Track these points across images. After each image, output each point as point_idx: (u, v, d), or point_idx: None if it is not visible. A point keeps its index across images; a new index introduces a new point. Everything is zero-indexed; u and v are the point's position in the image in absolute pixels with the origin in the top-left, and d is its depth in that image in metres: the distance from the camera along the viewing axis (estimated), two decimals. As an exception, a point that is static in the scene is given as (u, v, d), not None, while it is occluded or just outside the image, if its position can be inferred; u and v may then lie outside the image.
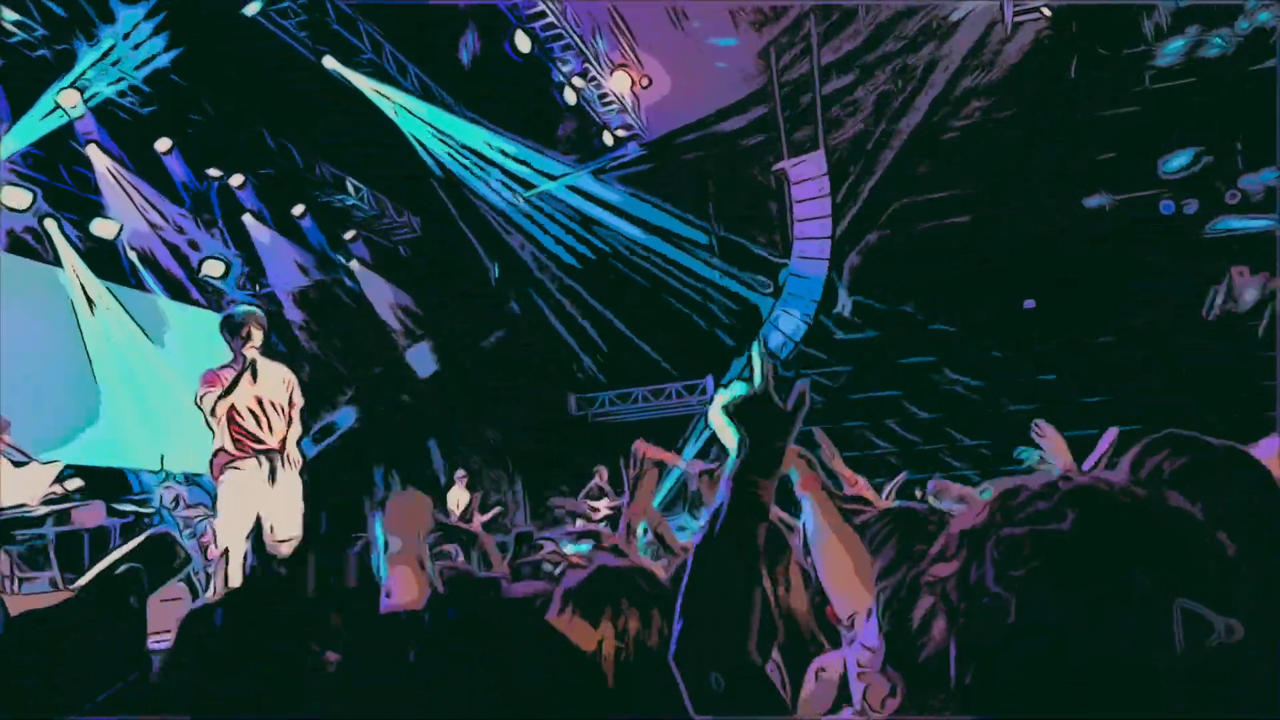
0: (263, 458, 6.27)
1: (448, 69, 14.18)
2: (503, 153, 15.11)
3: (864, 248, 15.51)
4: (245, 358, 6.25)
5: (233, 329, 6.33)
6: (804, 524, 2.20)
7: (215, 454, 6.30)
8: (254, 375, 6.32)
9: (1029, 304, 14.66)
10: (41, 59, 10.84)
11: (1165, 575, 0.87)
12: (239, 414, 6.24)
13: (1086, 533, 0.90)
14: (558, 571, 3.12)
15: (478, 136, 14.75)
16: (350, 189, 15.25)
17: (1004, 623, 0.90)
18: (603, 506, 11.81)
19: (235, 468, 6.21)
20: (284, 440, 6.40)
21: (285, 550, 6.11)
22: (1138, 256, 13.36)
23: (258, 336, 6.32)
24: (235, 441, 6.22)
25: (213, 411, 6.21)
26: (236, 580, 5.93)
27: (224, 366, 6.40)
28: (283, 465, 6.36)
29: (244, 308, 6.65)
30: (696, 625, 1.38)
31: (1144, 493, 0.93)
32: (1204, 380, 11.92)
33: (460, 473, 12.36)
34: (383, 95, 13.45)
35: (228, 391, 6.22)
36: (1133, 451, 1.69)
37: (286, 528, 6.23)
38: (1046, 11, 14.25)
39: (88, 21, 10.71)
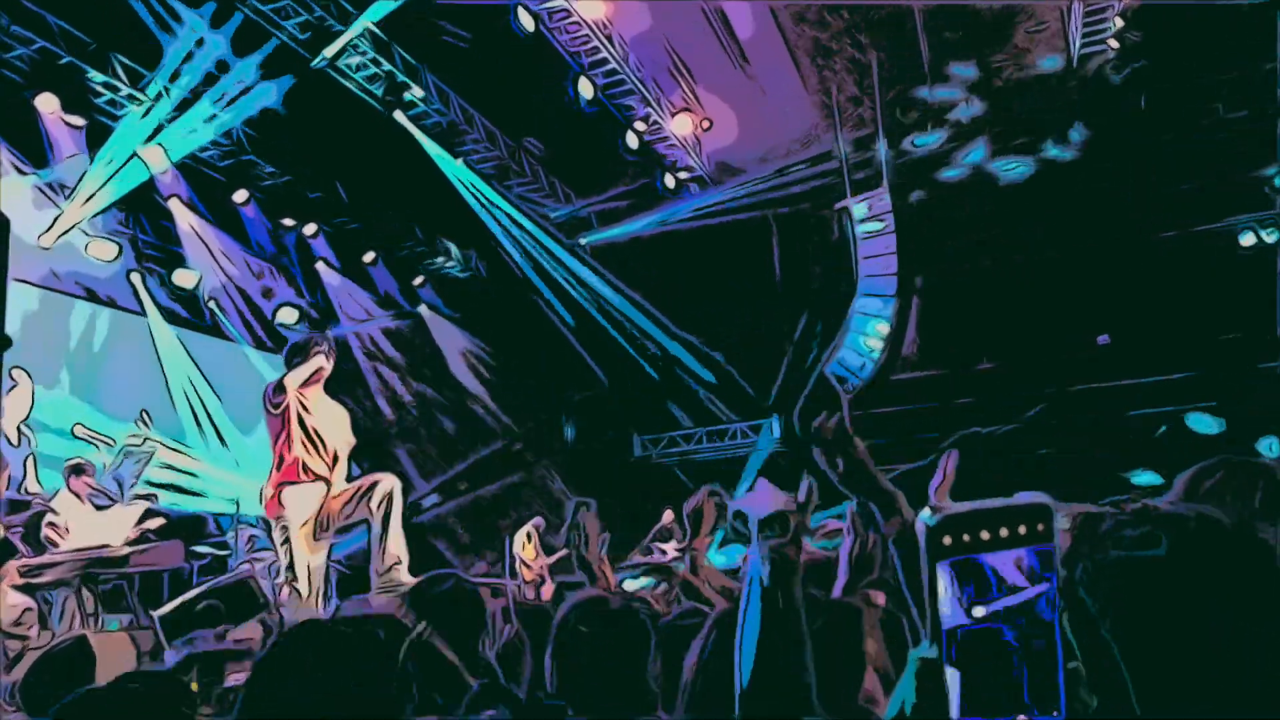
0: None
1: (513, 118, 14.47)
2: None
3: (926, 285, 15.37)
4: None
5: (304, 353, 6.59)
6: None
7: (282, 485, 6.34)
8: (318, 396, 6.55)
9: (1103, 339, 14.32)
10: (128, 116, 11.31)
11: (1258, 600, 0.88)
12: (303, 443, 6.39)
13: (1182, 559, 0.90)
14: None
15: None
16: (418, 235, 15.57)
17: (1100, 647, 0.91)
18: (670, 549, 11.73)
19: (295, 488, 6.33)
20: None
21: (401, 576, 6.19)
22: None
23: (329, 363, 6.62)
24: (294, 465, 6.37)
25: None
26: (305, 591, 5.99)
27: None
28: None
29: (308, 336, 6.90)
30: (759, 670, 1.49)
31: (1230, 521, 0.94)
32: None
33: (537, 520, 12.34)
34: (443, 158, 13.79)
35: (305, 383, 6.47)
36: (1187, 475, 1.70)
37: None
38: (1114, 44, 14.05)
39: (169, 77, 11.14)
